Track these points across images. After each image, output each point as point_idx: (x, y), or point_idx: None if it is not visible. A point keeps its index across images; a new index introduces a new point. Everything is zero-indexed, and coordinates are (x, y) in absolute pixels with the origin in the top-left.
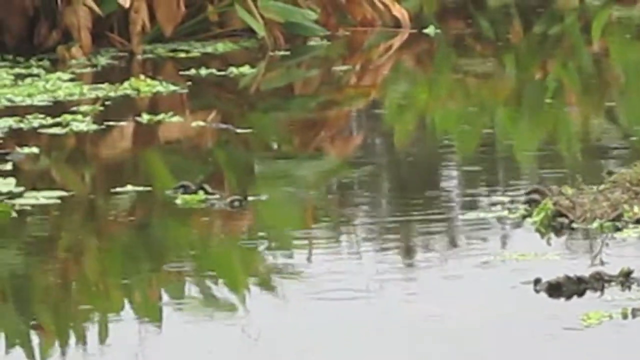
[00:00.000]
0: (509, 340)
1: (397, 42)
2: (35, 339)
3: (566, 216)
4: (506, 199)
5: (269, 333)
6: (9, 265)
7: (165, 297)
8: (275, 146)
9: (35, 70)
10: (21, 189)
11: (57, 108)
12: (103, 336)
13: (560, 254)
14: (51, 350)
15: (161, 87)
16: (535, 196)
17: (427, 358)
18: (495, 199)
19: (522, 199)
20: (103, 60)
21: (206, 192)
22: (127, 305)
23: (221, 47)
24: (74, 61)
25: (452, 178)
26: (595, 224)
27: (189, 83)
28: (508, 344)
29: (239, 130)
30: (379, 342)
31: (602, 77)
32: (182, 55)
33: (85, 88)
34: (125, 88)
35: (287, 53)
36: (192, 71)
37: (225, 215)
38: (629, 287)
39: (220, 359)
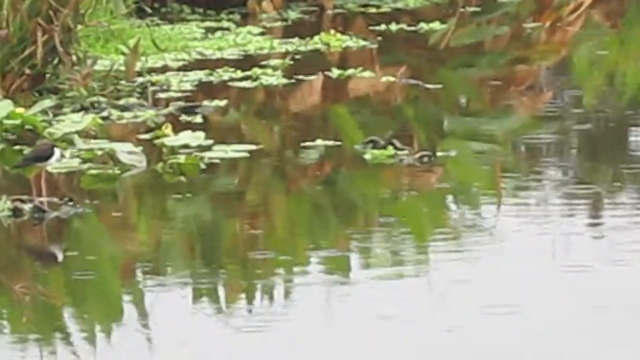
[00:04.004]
0: None
1: None
2: (221, 291)
3: None
4: None
5: (455, 288)
6: (198, 218)
7: (352, 251)
8: (464, 102)
9: (225, 24)
10: (210, 142)
11: (247, 62)
12: (289, 290)
13: None
14: (237, 302)
15: (351, 42)
16: None
17: (607, 318)
18: None
19: None
20: (293, 15)
21: (395, 148)
22: (314, 259)
23: (412, 2)
24: (264, 15)
25: None
26: None
27: (379, 38)
28: None
29: (428, 86)
30: (566, 301)
31: None
32: (373, 10)
33: (276, 42)
34: (315, 42)
35: (478, 9)
36: (382, 26)
37: (413, 170)
38: None
39: (405, 313)
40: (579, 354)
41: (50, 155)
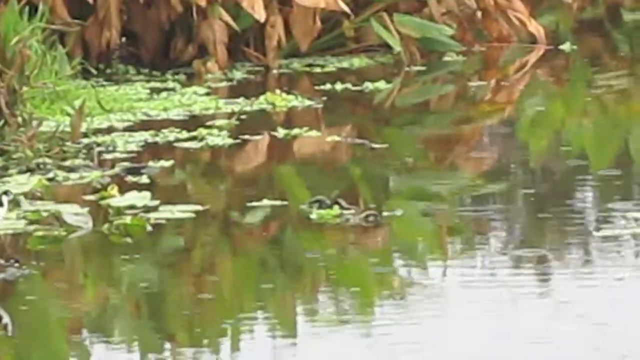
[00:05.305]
0: None
1: (532, 58)
2: (168, 354)
3: None
4: None
5: (399, 349)
6: (144, 279)
7: (299, 311)
8: (410, 162)
9: (170, 84)
10: (156, 202)
11: (193, 122)
12: (235, 350)
13: None
14: None
15: (296, 102)
16: None
17: None
18: (630, 215)
19: None
20: (239, 75)
21: (341, 207)
22: (261, 319)
23: (357, 62)
24: (209, 75)
25: (587, 194)
26: None
27: (324, 98)
28: None
29: (374, 146)
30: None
31: None
32: (318, 70)
33: (221, 102)
34: (261, 102)
35: (423, 68)
36: (328, 86)
37: (359, 230)
38: None
39: None
40: None
41: None
